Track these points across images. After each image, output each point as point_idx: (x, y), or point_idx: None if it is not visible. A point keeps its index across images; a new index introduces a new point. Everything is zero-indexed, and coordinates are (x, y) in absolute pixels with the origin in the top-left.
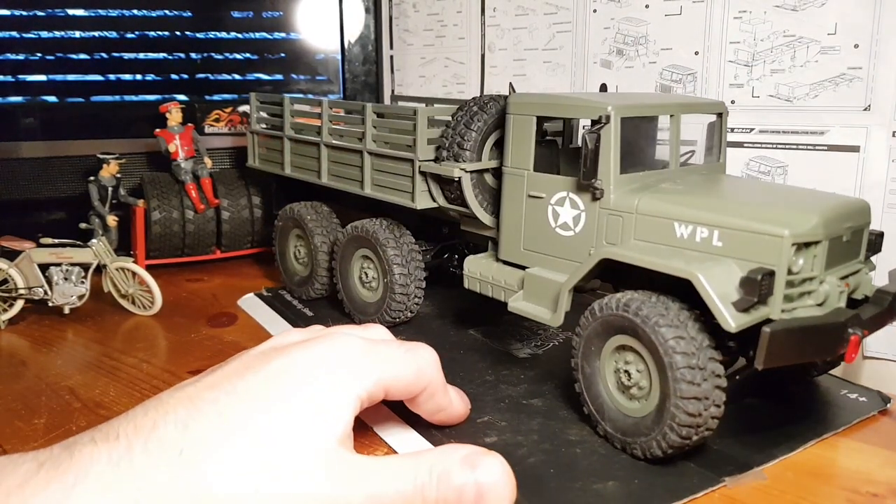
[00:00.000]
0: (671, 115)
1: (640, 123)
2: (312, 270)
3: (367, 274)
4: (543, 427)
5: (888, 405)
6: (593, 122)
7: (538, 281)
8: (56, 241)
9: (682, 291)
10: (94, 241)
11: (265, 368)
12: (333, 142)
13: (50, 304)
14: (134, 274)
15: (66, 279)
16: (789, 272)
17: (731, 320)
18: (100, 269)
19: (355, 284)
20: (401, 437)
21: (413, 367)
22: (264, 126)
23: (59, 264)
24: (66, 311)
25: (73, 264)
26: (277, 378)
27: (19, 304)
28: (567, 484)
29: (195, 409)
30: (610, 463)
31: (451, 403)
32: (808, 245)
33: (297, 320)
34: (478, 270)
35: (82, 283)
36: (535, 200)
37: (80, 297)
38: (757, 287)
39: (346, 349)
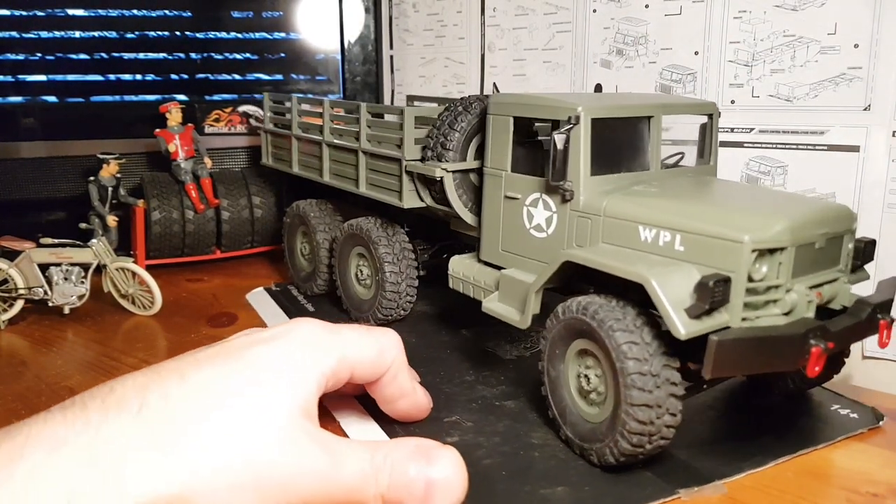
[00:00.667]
0: (650, 117)
1: (619, 124)
2: (315, 267)
3: (362, 271)
4: (509, 429)
5: (880, 423)
6: (564, 123)
7: (511, 282)
8: (56, 241)
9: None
10: (94, 240)
11: (230, 344)
12: (334, 141)
13: (50, 304)
14: (134, 274)
15: (66, 279)
16: (750, 279)
17: (681, 327)
18: (100, 269)
19: (352, 281)
20: (364, 431)
21: (376, 347)
22: (276, 125)
23: (58, 264)
24: (66, 311)
25: (72, 264)
26: (242, 352)
27: (19, 304)
28: (515, 487)
29: (156, 375)
30: (566, 468)
31: (415, 391)
32: (772, 251)
33: (297, 315)
34: (461, 270)
35: (82, 283)
36: (511, 201)
37: (80, 297)
38: (709, 293)
39: (309, 331)
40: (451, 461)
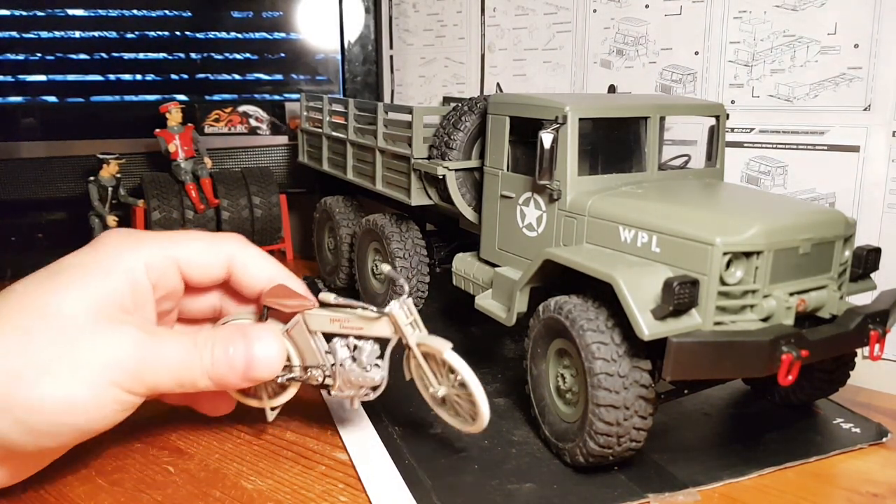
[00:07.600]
0: (646, 118)
1: (611, 125)
2: (338, 261)
3: (377, 266)
4: (492, 426)
5: (884, 439)
6: (552, 122)
7: (503, 280)
8: (341, 300)
9: None
10: (393, 303)
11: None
12: (357, 140)
13: (331, 394)
14: (449, 367)
15: (353, 360)
16: (724, 283)
17: (645, 328)
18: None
19: (368, 276)
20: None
21: (206, 240)
22: (309, 125)
23: (344, 336)
24: (355, 405)
25: (360, 337)
26: (54, 264)
27: (293, 388)
28: (483, 481)
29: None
30: (539, 466)
31: (294, 280)
32: (748, 255)
33: None
34: (462, 268)
35: (377, 366)
36: (507, 200)
37: (375, 389)
38: (673, 295)
39: (117, 234)
40: (269, 339)
